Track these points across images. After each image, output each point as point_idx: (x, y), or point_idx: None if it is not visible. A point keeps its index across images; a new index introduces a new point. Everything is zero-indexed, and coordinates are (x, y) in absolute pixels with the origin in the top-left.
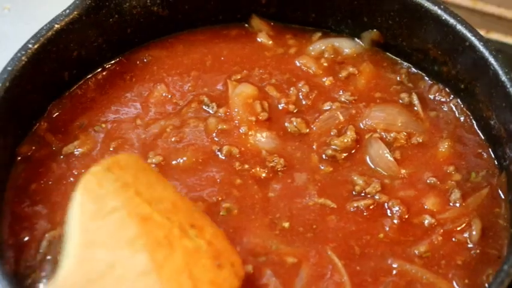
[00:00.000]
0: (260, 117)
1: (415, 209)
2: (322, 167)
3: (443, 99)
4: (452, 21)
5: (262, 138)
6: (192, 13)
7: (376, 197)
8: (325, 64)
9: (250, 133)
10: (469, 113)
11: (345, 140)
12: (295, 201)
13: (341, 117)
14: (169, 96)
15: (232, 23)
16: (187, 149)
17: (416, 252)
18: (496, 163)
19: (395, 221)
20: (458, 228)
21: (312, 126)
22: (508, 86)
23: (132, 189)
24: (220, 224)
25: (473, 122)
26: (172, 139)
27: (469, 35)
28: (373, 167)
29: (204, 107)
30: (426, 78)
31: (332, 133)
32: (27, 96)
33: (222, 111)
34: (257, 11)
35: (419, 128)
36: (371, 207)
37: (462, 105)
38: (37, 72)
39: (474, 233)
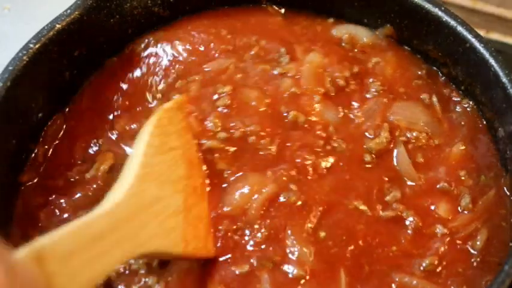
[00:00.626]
0: (328, 91)
1: (428, 218)
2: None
3: (455, 99)
4: (452, 22)
5: (330, 113)
6: (192, 13)
7: (394, 206)
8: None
9: (316, 106)
10: (480, 113)
11: (380, 141)
12: (339, 201)
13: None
14: None
15: None
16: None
17: (424, 264)
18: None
19: (409, 232)
20: (464, 234)
21: (358, 113)
22: (509, 87)
23: (191, 132)
24: None
25: (484, 122)
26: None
27: (469, 36)
28: (398, 168)
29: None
30: (440, 75)
31: (368, 133)
32: (28, 95)
33: (292, 73)
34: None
35: (438, 130)
36: (390, 217)
37: (473, 105)
38: (38, 72)
39: (478, 243)
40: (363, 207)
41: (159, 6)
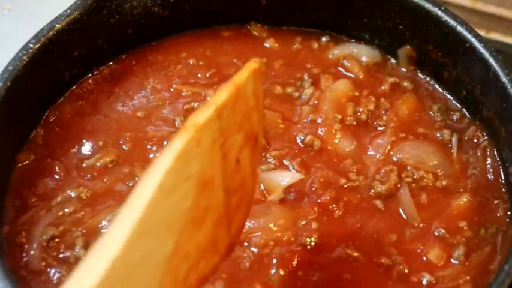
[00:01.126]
0: (347, 122)
1: (416, 264)
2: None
3: (475, 141)
4: (452, 22)
5: (346, 145)
6: (193, 14)
7: (386, 250)
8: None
9: (336, 135)
10: (497, 157)
11: (387, 187)
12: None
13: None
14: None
15: (232, 24)
16: None
17: None
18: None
19: (394, 278)
20: (450, 286)
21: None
22: (509, 86)
23: (223, 138)
24: None
25: (500, 169)
26: None
27: (469, 36)
28: (401, 210)
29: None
30: (465, 112)
31: (378, 175)
32: (28, 95)
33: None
34: (257, 11)
35: (448, 171)
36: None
37: (493, 148)
38: (38, 72)
39: None
40: (356, 254)
41: (159, 6)
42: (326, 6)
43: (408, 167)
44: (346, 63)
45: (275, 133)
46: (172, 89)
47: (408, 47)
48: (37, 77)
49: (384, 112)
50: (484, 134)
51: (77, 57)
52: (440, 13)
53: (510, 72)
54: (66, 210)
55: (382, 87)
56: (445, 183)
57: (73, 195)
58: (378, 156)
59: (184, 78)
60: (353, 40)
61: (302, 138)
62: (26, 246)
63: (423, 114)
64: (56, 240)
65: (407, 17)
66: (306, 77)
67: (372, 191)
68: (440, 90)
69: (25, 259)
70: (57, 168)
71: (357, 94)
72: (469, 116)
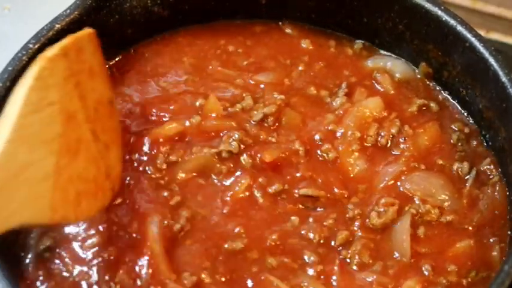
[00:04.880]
0: (366, 142)
1: None
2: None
3: (488, 173)
4: (452, 22)
5: (359, 165)
6: (192, 13)
7: None
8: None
9: (353, 154)
10: (507, 191)
11: (383, 221)
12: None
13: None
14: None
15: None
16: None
17: None
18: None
19: None
20: None
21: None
22: (508, 86)
23: (75, 79)
24: None
25: (508, 206)
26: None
27: (469, 35)
28: (392, 240)
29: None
30: (482, 140)
31: (374, 210)
32: None
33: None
34: (258, 11)
35: (455, 206)
36: None
37: (503, 182)
38: None
39: None
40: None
41: (158, 5)
42: (325, 6)
43: (415, 199)
44: (379, 77)
45: (290, 131)
46: None
47: (424, 64)
48: None
49: (402, 140)
50: (498, 166)
51: None
52: (440, 12)
53: (510, 72)
54: None
55: (409, 109)
56: (450, 218)
57: None
58: (383, 184)
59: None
60: (388, 53)
61: (319, 144)
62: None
63: (443, 144)
64: None
65: (407, 17)
66: (344, 85)
67: (367, 220)
68: (459, 108)
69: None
70: None
71: (385, 114)
72: (485, 143)
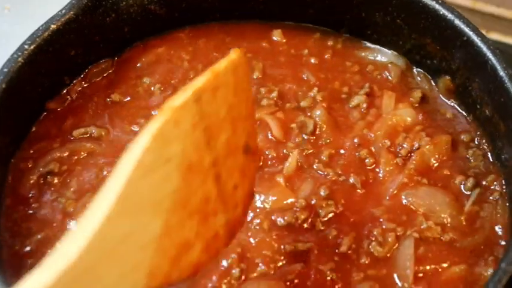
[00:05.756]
0: (397, 160)
1: None
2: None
3: (493, 187)
4: (450, 16)
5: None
6: (189, 11)
7: None
8: None
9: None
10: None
11: (382, 250)
12: None
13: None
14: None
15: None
16: None
17: None
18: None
19: None
20: None
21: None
22: (506, 80)
23: (205, 123)
24: None
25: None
26: None
27: (466, 29)
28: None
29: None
30: (489, 154)
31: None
32: (24, 97)
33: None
34: (254, 9)
35: (454, 223)
36: None
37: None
38: (34, 73)
39: None
40: None
41: (155, 4)
42: (324, 2)
43: (419, 215)
44: (377, 73)
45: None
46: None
47: (448, 78)
48: (33, 78)
49: (414, 150)
50: (502, 183)
51: (73, 57)
52: (437, 6)
53: (508, 67)
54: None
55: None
56: (449, 237)
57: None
58: (386, 197)
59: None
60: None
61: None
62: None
63: (452, 159)
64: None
65: (405, 11)
66: (367, 85)
67: (371, 247)
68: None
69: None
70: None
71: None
72: (490, 158)
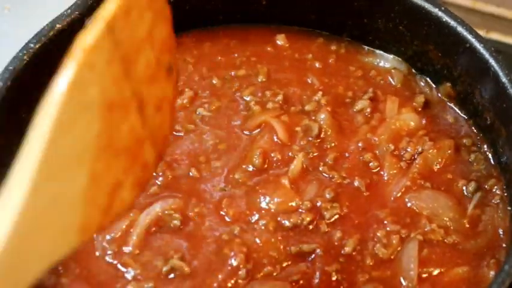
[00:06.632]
0: (401, 164)
1: None
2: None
3: (494, 190)
4: (452, 23)
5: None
6: (193, 14)
7: None
8: None
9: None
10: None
11: (391, 252)
12: None
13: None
14: None
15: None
16: None
17: None
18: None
19: None
20: None
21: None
22: (509, 87)
23: (121, 52)
24: None
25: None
26: None
27: (469, 36)
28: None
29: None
30: (491, 158)
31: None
32: (29, 96)
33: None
34: (257, 12)
35: (457, 226)
36: None
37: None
38: (39, 72)
39: None
40: None
41: None
42: (325, 6)
43: (422, 218)
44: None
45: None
46: None
47: (448, 84)
48: (38, 77)
49: (416, 154)
50: (503, 186)
51: None
52: (440, 13)
53: (510, 72)
54: None
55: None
56: (452, 240)
57: None
58: (391, 200)
59: None
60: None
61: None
62: None
63: (455, 163)
64: None
65: (407, 18)
66: (370, 90)
67: (375, 249)
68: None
69: None
70: None
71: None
72: (492, 161)
